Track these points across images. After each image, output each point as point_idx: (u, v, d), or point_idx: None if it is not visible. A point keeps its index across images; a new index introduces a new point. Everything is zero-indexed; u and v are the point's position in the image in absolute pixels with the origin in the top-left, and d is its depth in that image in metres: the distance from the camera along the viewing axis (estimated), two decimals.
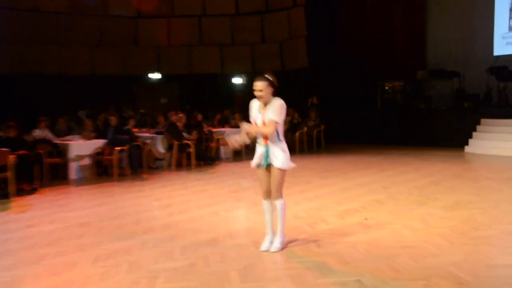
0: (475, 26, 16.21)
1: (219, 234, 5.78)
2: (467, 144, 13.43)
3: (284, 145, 4.95)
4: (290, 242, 5.26)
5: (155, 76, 18.49)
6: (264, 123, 4.86)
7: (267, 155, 4.94)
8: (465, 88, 15.55)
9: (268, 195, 5.06)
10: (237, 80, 19.90)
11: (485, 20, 15.92)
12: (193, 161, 12.00)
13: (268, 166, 4.98)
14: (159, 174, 11.17)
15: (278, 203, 4.99)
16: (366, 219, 6.25)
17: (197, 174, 10.99)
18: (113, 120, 11.55)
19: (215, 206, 7.40)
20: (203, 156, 12.53)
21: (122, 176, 10.74)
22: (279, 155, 4.89)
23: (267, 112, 4.85)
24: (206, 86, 18.58)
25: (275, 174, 4.93)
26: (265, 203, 5.11)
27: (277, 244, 5.04)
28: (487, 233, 5.47)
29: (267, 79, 4.84)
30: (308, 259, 4.74)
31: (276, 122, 4.81)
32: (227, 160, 13.56)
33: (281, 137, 4.94)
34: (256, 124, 4.94)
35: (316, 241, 5.32)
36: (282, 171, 4.92)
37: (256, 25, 18.58)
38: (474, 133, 13.60)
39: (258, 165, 5.03)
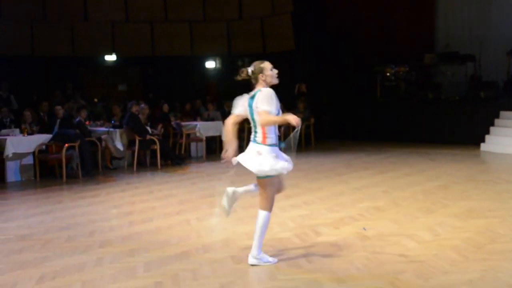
0: (493, 1, 16.43)
1: (191, 247, 5.79)
2: (483, 141, 13.64)
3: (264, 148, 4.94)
4: (275, 256, 5.30)
5: (111, 58, 18.36)
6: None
7: None
8: (481, 75, 15.77)
9: None
10: (210, 64, 19.88)
11: None
12: (159, 160, 11.98)
13: None
14: (118, 176, 11.12)
15: (260, 213, 5.03)
16: (364, 229, 6.32)
17: (163, 176, 10.97)
18: (60, 110, 11.45)
19: (185, 214, 7.41)
20: (171, 154, 12.51)
21: (72, 178, 10.67)
22: (253, 158, 4.92)
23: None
24: (173, 71, 18.53)
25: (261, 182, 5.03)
26: None
27: (251, 258, 5.14)
28: (507, 246, 5.58)
29: None
30: (297, 277, 4.79)
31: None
32: (199, 159, 13.56)
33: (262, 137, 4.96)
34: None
35: (306, 255, 5.37)
36: (264, 181, 4.96)
37: None
38: (491, 128, 13.81)
39: None
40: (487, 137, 13.67)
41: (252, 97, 4.97)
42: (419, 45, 17.06)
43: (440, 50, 17.02)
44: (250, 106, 4.96)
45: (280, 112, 5.00)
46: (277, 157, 4.95)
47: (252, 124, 5.03)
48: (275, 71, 5.07)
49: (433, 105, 15.70)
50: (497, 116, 13.99)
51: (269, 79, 5.01)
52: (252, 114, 4.96)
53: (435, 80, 16.98)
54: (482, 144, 13.59)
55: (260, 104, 4.85)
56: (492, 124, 13.88)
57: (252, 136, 5.03)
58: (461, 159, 12.04)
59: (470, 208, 7.24)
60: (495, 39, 15.81)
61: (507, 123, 13.67)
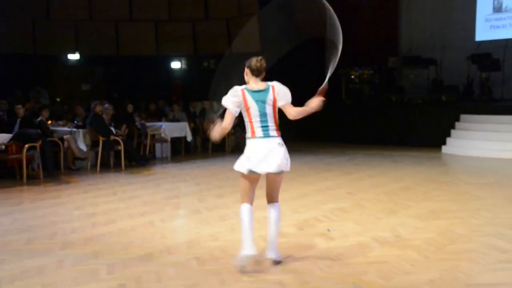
0: (454, 7, 16.74)
1: (154, 249, 5.74)
2: (444, 143, 13.87)
3: None
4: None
5: (74, 56, 18.11)
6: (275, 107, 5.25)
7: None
8: (442, 79, 16.05)
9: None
10: (176, 65, 19.79)
11: (465, 0, 16.46)
12: (123, 161, 11.87)
13: None
14: (80, 176, 10.99)
15: (278, 205, 5.45)
16: (328, 230, 6.36)
17: (127, 177, 10.87)
18: (21, 110, 11.26)
19: (149, 215, 7.35)
20: (135, 155, 12.42)
21: (33, 179, 10.47)
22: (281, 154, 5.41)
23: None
24: (138, 71, 18.36)
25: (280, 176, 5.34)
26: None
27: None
28: (466, 246, 5.68)
29: None
30: (261, 278, 4.79)
31: None
32: (164, 160, 13.49)
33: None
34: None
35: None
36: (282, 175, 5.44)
37: None
38: (452, 131, 14.05)
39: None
40: (448, 139, 13.89)
41: (264, 91, 5.25)
42: (383, 49, 17.27)
43: (403, 54, 17.26)
44: (262, 101, 5.19)
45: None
46: None
47: (259, 119, 5.19)
48: None
49: (396, 108, 15.90)
50: (458, 120, 14.23)
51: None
52: (264, 108, 5.20)
53: (398, 83, 17.21)
54: (443, 147, 13.81)
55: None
56: (453, 127, 14.11)
57: (260, 131, 5.25)
58: (423, 161, 12.22)
59: (432, 209, 7.35)
60: (456, 44, 16.11)
61: (467, 126, 13.93)
